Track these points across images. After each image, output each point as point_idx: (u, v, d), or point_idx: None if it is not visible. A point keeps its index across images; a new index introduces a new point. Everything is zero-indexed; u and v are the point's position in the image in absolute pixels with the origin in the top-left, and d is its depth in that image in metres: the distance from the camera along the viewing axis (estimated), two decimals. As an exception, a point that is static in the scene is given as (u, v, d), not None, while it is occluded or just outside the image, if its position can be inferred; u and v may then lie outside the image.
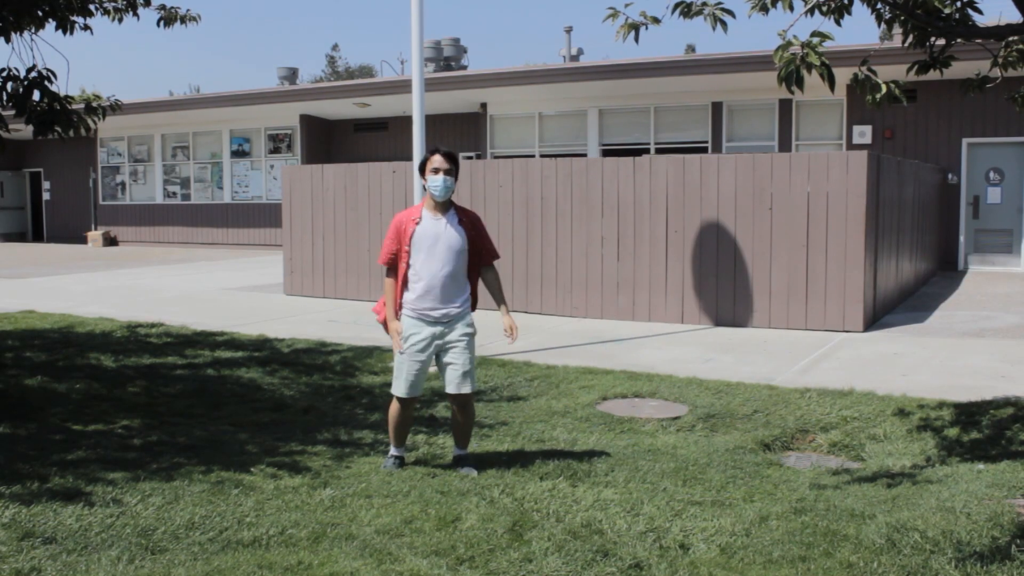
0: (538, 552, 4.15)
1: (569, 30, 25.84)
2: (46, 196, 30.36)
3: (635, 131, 20.58)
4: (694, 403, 7.36)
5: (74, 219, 29.28)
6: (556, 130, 21.52)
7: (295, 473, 5.33)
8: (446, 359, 5.32)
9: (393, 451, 5.57)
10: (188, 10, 8.95)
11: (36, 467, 5.22)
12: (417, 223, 5.25)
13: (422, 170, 5.31)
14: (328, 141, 25.27)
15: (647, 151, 19.74)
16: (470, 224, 5.32)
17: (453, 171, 5.24)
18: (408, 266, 5.25)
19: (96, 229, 28.28)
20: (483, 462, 5.61)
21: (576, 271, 12.10)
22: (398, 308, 5.33)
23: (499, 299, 5.48)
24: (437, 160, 5.20)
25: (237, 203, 25.89)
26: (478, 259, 5.40)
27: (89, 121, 7.72)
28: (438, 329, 5.26)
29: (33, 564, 3.87)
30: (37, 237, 31.20)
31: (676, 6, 4.95)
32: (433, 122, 20.49)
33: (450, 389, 5.36)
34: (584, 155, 20.27)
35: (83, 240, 28.14)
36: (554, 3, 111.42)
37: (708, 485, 5.25)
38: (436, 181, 5.20)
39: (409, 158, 11.88)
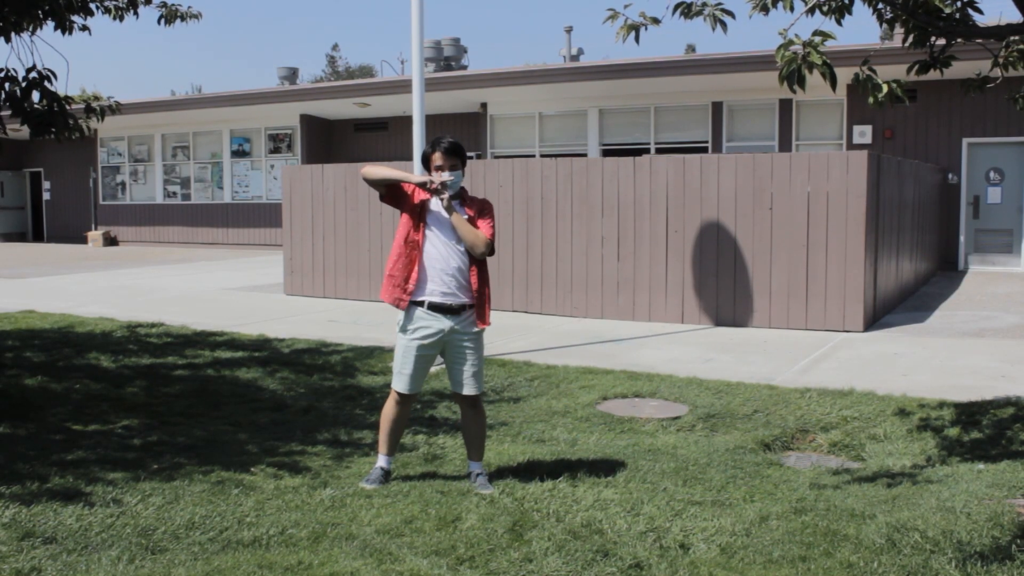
0: (538, 552, 4.15)
1: (569, 30, 25.85)
2: (46, 196, 30.37)
3: (635, 131, 20.59)
4: (694, 403, 7.36)
5: (74, 219, 29.29)
6: (556, 130, 21.53)
7: (295, 473, 5.33)
8: (453, 356, 5.12)
9: (380, 461, 5.21)
10: (189, 7, 8.93)
11: (36, 467, 5.22)
12: (430, 200, 5.07)
13: (426, 164, 5.10)
14: (328, 141, 25.28)
15: (647, 151, 19.76)
16: (477, 212, 5.10)
17: (458, 165, 5.03)
18: (421, 247, 5.03)
19: (96, 229, 28.29)
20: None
21: (576, 271, 12.11)
22: (407, 294, 5.04)
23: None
24: (438, 159, 4.99)
25: (237, 203, 25.90)
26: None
27: (85, 125, 7.69)
28: (448, 323, 5.05)
29: (33, 564, 3.87)
30: (37, 237, 31.21)
31: (677, 7, 4.94)
32: (433, 122, 20.49)
33: (457, 389, 5.20)
34: (584, 155, 20.28)
35: (83, 240, 28.15)
36: (554, 3, 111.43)
37: (708, 485, 5.25)
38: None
39: (409, 158, 11.87)
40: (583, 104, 20.83)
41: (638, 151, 19.02)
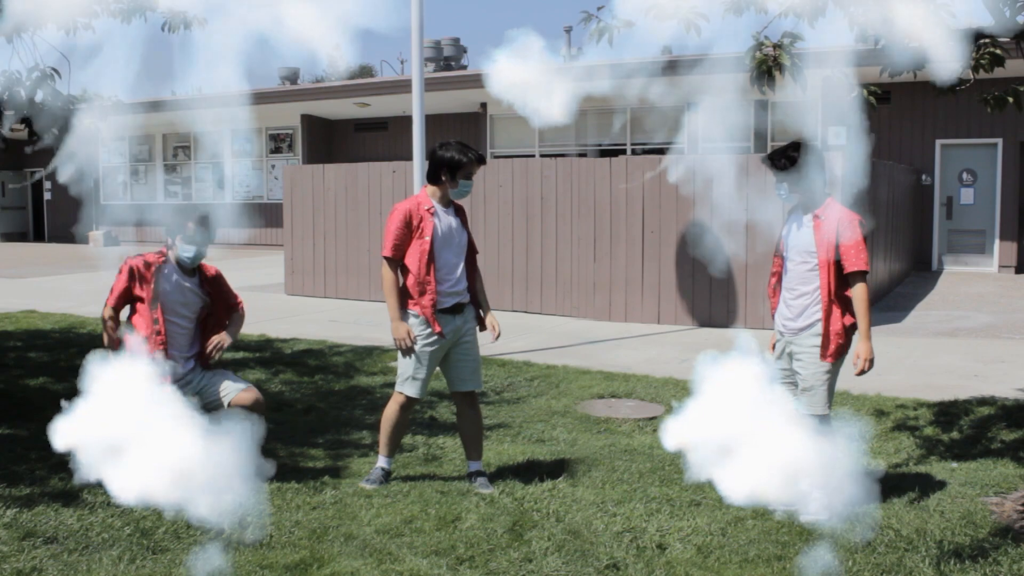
0: (538, 552, 4.19)
1: (569, 30, 25.85)
2: (47, 196, 30.38)
3: (610, 131, 20.64)
4: (670, 403, 7.39)
5: (75, 219, 29.28)
6: (556, 130, 21.53)
7: (296, 473, 5.37)
8: (456, 355, 5.16)
9: (381, 461, 5.27)
10: (195, 15, 8.90)
11: (37, 467, 5.26)
12: (434, 215, 5.11)
13: (454, 169, 5.10)
14: (329, 141, 25.30)
15: (623, 152, 19.95)
16: (464, 216, 5.29)
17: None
18: (431, 259, 5.06)
19: (97, 229, 28.30)
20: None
21: (575, 271, 12.13)
22: (410, 306, 5.14)
23: (484, 301, 5.35)
24: (478, 169, 5.18)
25: (238, 203, 25.92)
26: (471, 252, 5.29)
27: (92, 123, 7.70)
28: (456, 324, 5.13)
29: (34, 564, 3.92)
30: (38, 237, 31.22)
31: (650, 10, 4.97)
32: (433, 122, 20.45)
33: (460, 387, 5.21)
34: (584, 155, 20.31)
35: (84, 240, 28.16)
36: (554, 3, 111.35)
37: (684, 485, 5.24)
38: (468, 187, 5.17)
39: (409, 158, 11.89)
40: (582, 104, 20.82)
41: (615, 152, 19.21)
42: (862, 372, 4.65)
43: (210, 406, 4.99)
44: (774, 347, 4.96)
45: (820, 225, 4.67)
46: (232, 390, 5.08)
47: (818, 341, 4.65)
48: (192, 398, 4.90)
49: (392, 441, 5.26)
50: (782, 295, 4.86)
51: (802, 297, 4.72)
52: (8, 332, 10.59)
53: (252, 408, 4.97)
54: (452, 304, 5.11)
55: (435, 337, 5.07)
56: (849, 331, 4.71)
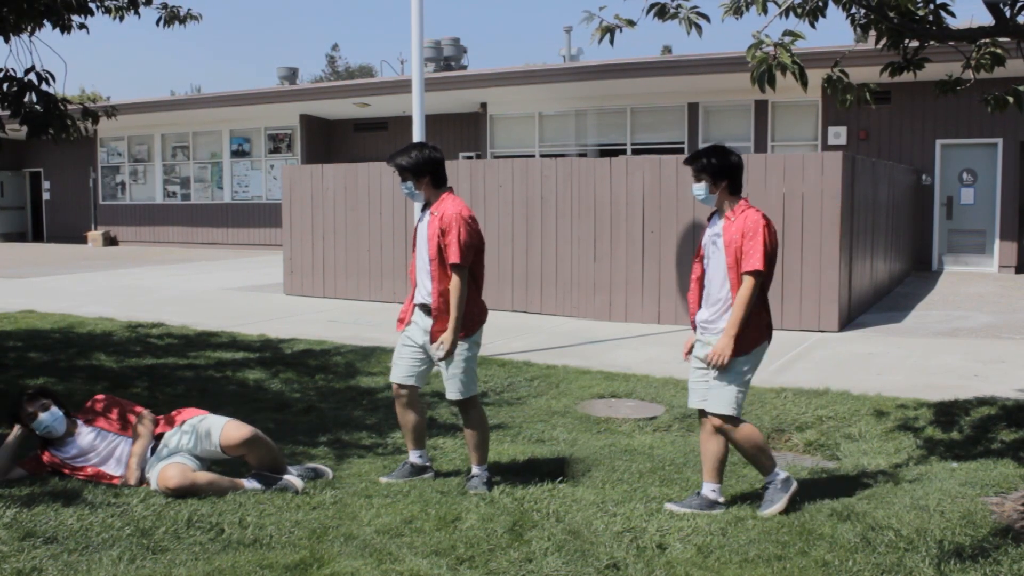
0: (538, 552, 4.18)
1: (569, 30, 25.88)
2: (46, 196, 30.39)
3: (612, 132, 20.70)
4: (670, 403, 7.40)
5: (74, 219, 29.32)
6: (556, 130, 21.57)
7: (295, 473, 5.37)
8: (434, 361, 5.26)
9: (410, 455, 5.40)
10: (189, 9, 8.94)
11: (38, 467, 5.26)
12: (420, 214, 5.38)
13: (428, 171, 5.32)
14: (328, 141, 25.31)
15: (624, 151, 20.01)
16: (438, 220, 5.12)
17: (408, 175, 5.18)
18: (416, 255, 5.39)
19: (96, 229, 28.31)
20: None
21: (575, 271, 12.14)
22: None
23: (447, 314, 5.10)
24: (396, 171, 5.26)
25: (237, 203, 25.94)
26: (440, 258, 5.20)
27: (83, 126, 7.71)
28: (427, 323, 5.20)
29: (34, 564, 3.91)
30: (37, 237, 31.22)
31: (651, 8, 4.98)
32: (433, 122, 20.51)
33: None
34: (584, 155, 20.33)
35: (83, 240, 28.17)
36: (554, 3, 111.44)
37: (685, 485, 5.26)
38: (403, 188, 5.31)
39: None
40: (583, 104, 20.86)
41: (615, 152, 19.25)
42: (712, 366, 4.66)
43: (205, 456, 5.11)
44: (690, 351, 4.97)
45: (728, 227, 4.76)
46: (216, 428, 5.06)
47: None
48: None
49: (406, 437, 5.42)
50: (704, 298, 4.93)
51: (719, 303, 4.78)
52: (8, 332, 10.59)
53: (248, 443, 5.02)
54: (421, 303, 5.26)
55: (407, 324, 5.32)
56: (758, 329, 4.74)
